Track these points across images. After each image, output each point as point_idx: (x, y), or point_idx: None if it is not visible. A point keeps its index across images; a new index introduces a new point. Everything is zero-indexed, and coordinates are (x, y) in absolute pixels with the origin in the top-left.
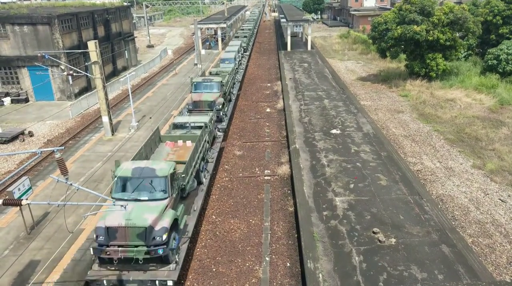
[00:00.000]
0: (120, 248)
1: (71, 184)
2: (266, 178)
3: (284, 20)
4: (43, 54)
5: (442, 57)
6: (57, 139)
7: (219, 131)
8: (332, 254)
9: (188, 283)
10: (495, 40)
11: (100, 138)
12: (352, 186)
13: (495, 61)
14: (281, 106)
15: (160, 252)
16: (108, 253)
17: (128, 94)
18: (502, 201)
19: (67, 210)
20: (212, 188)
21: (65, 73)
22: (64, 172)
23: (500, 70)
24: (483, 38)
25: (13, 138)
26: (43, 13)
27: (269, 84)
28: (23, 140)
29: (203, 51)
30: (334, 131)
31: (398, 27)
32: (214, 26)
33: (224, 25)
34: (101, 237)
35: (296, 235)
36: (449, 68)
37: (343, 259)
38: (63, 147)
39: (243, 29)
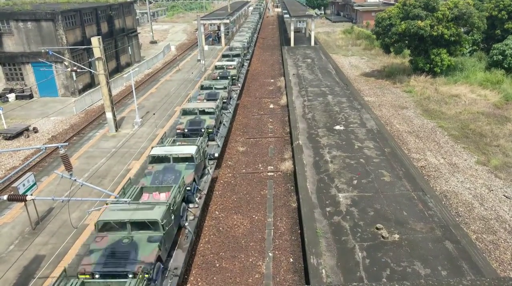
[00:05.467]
0: None
1: (75, 180)
2: (269, 174)
3: (287, 15)
4: (47, 50)
5: (447, 52)
6: (61, 136)
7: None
8: (335, 249)
9: (192, 278)
10: (500, 35)
11: (104, 135)
12: (355, 182)
13: (500, 57)
14: (284, 102)
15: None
16: None
17: (132, 91)
18: (506, 197)
19: (71, 205)
20: (215, 184)
21: (69, 69)
22: (69, 167)
23: (505, 65)
24: (488, 33)
25: (18, 134)
26: (47, 9)
27: (272, 80)
28: (28, 137)
29: (206, 47)
30: (337, 127)
31: (402, 22)
32: (217, 22)
33: (227, 21)
34: None
35: (299, 231)
36: (454, 63)
37: (346, 254)
38: (67, 143)
39: (231, 51)
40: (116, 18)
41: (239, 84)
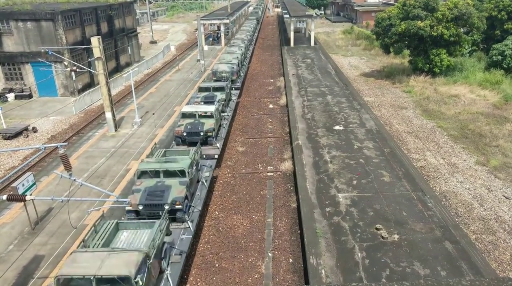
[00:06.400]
0: None
1: (74, 180)
2: (269, 174)
3: (287, 15)
4: (47, 50)
5: (446, 53)
6: (61, 135)
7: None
8: (334, 250)
9: (191, 279)
10: (500, 36)
11: (103, 134)
12: (355, 182)
13: (499, 57)
14: (284, 103)
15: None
16: None
17: (131, 90)
18: (506, 197)
19: (70, 205)
20: (215, 184)
21: (69, 69)
22: (68, 167)
23: (505, 66)
24: (488, 34)
25: (17, 134)
26: (47, 9)
27: (272, 80)
28: (27, 136)
29: (206, 47)
30: (337, 127)
31: (402, 22)
32: (217, 22)
33: (227, 21)
34: None
35: (298, 231)
36: (453, 64)
37: (345, 255)
38: (66, 143)
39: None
40: (116, 18)
41: (217, 145)
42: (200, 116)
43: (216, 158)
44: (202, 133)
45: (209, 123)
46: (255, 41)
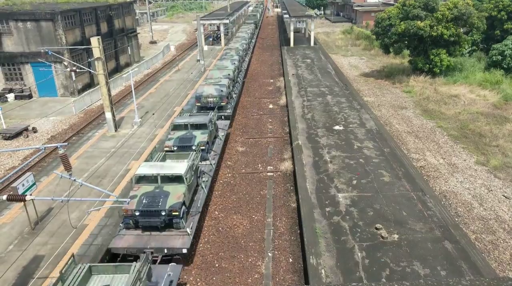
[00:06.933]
0: None
1: (74, 180)
2: (268, 174)
3: (287, 15)
4: (46, 50)
5: (446, 53)
6: (61, 136)
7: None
8: (334, 250)
9: (191, 279)
10: (499, 36)
11: (103, 135)
12: (355, 182)
13: (499, 57)
14: (283, 103)
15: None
16: None
17: (131, 90)
18: (505, 197)
19: (70, 205)
20: (215, 184)
21: (68, 69)
22: (68, 167)
23: (504, 66)
24: (488, 34)
25: (17, 134)
26: (46, 9)
27: (271, 80)
28: (27, 137)
29: (205, 47)
30: (337, 127)
31: (402, 22)
32: (217, 22)
33: (227, 21)
34: None
35: (298, 231)
36: (453, 64)
37: (345, 255)
38: (66, 143)
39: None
40: (115, 18)
41: (188, 230)
42: (164, 179)
43: (185, 253)
44: (164, 213)
45: (176, 195)
46: (253, 48)
